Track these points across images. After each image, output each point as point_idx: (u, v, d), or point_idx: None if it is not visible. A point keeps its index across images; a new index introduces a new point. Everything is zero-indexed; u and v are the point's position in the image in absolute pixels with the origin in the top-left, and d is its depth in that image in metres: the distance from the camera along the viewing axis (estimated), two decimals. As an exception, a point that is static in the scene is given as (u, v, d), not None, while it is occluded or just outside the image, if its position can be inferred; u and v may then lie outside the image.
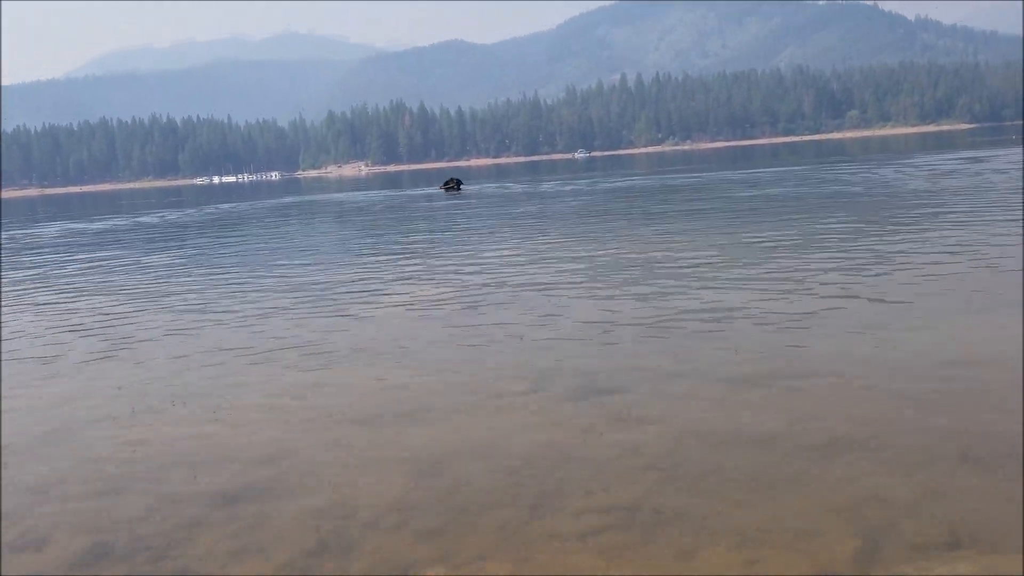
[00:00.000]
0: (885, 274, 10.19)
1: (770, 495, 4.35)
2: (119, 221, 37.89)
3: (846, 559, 3.70)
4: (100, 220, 39.87)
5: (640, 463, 4.86)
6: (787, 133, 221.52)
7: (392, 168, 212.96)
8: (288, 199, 53.10)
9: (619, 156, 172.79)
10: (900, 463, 4.62)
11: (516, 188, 44.96)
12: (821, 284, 9.80)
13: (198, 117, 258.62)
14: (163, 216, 40.13)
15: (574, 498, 4.47)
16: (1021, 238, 12.08)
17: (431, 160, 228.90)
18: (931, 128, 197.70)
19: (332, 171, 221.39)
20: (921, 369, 6.31)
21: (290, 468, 5.16)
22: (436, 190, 48.99)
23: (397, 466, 5.06)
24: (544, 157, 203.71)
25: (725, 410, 5.68)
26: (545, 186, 44.60)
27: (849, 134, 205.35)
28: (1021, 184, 21.89)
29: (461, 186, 47.16)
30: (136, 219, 39.19)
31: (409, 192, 51.91)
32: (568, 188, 40.24)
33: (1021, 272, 9.51)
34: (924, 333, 7.35)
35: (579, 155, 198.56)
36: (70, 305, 12.25)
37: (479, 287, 11.35)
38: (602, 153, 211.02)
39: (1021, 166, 29.72)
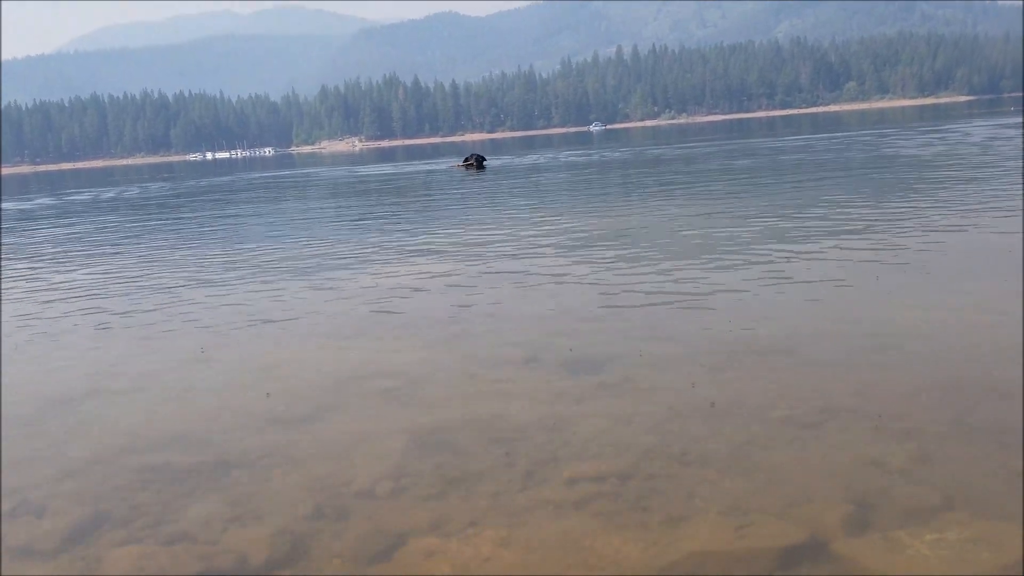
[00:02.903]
0: (892, 243, 10.19)
1: (761, 463, 4.39)
2: (132, 191, 37.79)
3: (837, 524, 3.71)
4: (109, 190, 39.72)
5: (632, 432, 4.90)
6: (784, 106, 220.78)
7: (386, 143, 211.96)
8: (285, 172, 52.86)
9: (614, 130, 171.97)
10: (893, 430, 4.65)
11: (544, 160, 43.92)
12: (817, 256, 9.82)
13: (190, 92, 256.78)
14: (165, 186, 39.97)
15: (567, 467, 4.51)
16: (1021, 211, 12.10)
17: (425, 135, 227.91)
18: (929, 100, 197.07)
19: (326, 146, 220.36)
20: (914, 337, 6.34)
21: (287, 438, 5.20)
22: (449, 167, 42.83)
23: (393, 437, 5.09)
24: (540, 132, 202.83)
25: (718, 380, 5.71)
26: (573, 157, 44.23)
27: (847, 107, 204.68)
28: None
29: (484, 163, 39.20)
30: (150, 186, 39.02)
31: (418, 167, 51.44)
32: (615, 156, 40.11)
33: (1021, 241, 9.53)
34: (917, 301, 7.38)
35: (595, 128, 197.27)
36: (64, 276, 12.23)
37: (477, 261, 11.36)
38: (595, 127, 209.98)
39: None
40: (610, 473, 4.38)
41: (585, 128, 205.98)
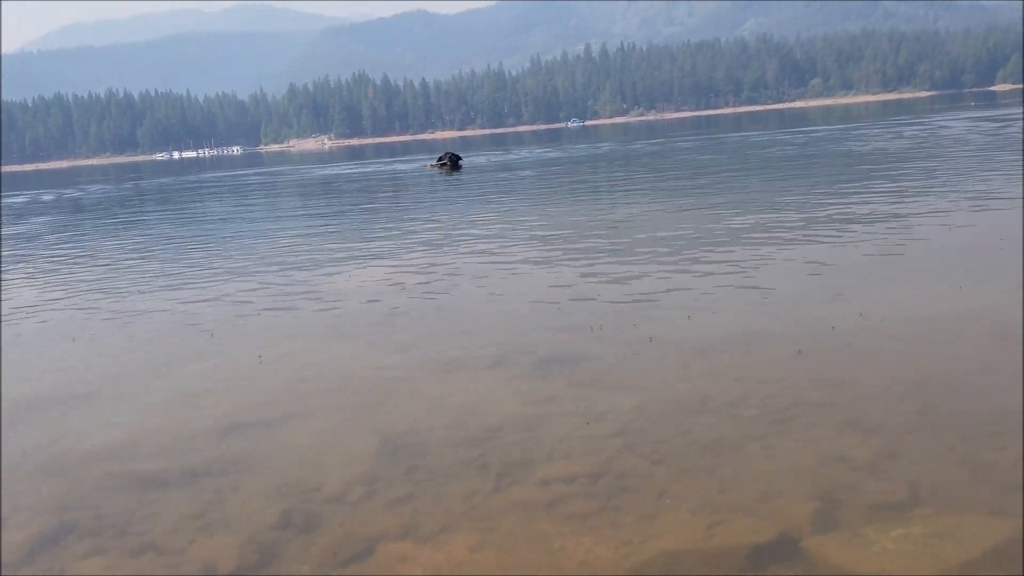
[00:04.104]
0: (854, 238, 10.30)
1: (731, 459, 4.42)
2: (107, 186, 37.22)
3: (805, 521, 3.75)
4: (84, 187, 39.09)
5: (604, 431, 4.91)
6: (751, 102, 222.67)
7: (356, 141, 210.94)
8: (253, 172, 52.39)
9: (590, 126, 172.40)
10: (860, 425, 4.71)
11: (524, 156, 43.97)
12: (786, 250, 9.90)
13: (156, 91, 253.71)
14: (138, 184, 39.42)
15: (539, 467, 4.51)
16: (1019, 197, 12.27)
17: (395, 133, 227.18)
18: (893, 96, 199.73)
19: (295, 145, 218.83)
20: (881, 331, 6.42)
21: (255, 443, 5.15)
22: (421, 166, 40.39)
23: (363, 440, 5.06)
24: (510, 129, 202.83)
25: (688, 377, 5.74)
26: (559, 153, 44.30)
27: (812, 103, 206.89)
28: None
29: (460, 162, 36.38)
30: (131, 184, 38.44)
31: (388, 166, 51.16)
32: (601, 150, 40.14)
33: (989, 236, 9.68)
34: (885, 295, 7.46)
35: (572, 124, 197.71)
36: (25, 280, 12.03)
37: (449, 261, 11.32)
38: (566, 124, 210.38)
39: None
40: (582, 473, 4.39)
41: (558, 125, 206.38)
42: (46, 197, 40.51)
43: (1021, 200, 12.11)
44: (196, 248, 15.13)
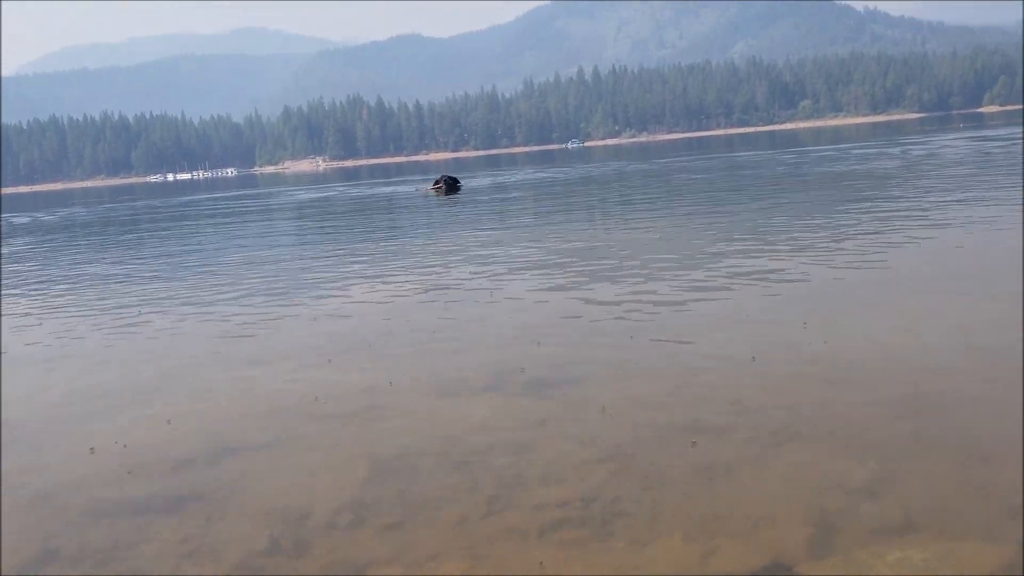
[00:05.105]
0: (839, 259, 10.30)
1: (725, 483, 4.37)
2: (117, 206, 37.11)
3: (800, 546, 3.71)
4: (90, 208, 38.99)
5: (595, 455, 4.86)
6: (741, 124, 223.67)
7: (350, 163, 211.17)
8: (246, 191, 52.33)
9: (589, 147, 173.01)
10: (854, 448, 4.67)
11: (523, 178, 43.83)
12: (778, 271, 9.89)
13: (151, 114, 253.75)
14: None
15: (530, 492, 4.46)
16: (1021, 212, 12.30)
17: (390, 154, 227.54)
18: (882, 118, 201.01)
19: (289, 166, 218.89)
20: (872, 354, 6.39)
21: (243, 468, 5.08)
22: (416, 191, 37.91)
23: (352, 464, 5.00)
24: (504, 151, 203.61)
25: (680, 400, 5.70)
26: (558, 173, 44.33)
27: (802, 124, 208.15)
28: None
29: (458, 185, 34.50)
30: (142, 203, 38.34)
31: (376, 188, 51.13)
32: (597, 172, 40.18)
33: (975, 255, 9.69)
34: (873, 316, 7.45)
35: (572, 145, 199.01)
36: (16, 298, 11.94)
37: (438, 283, 11.29)
38: (559, 146, 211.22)
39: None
40: (574, 497, 4.34)
41: (551, 146, 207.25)
42: (17, 220, 40.43)
43: (1021, 220, 12.15)
44: (183, 271, 15.06)
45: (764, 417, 5.23)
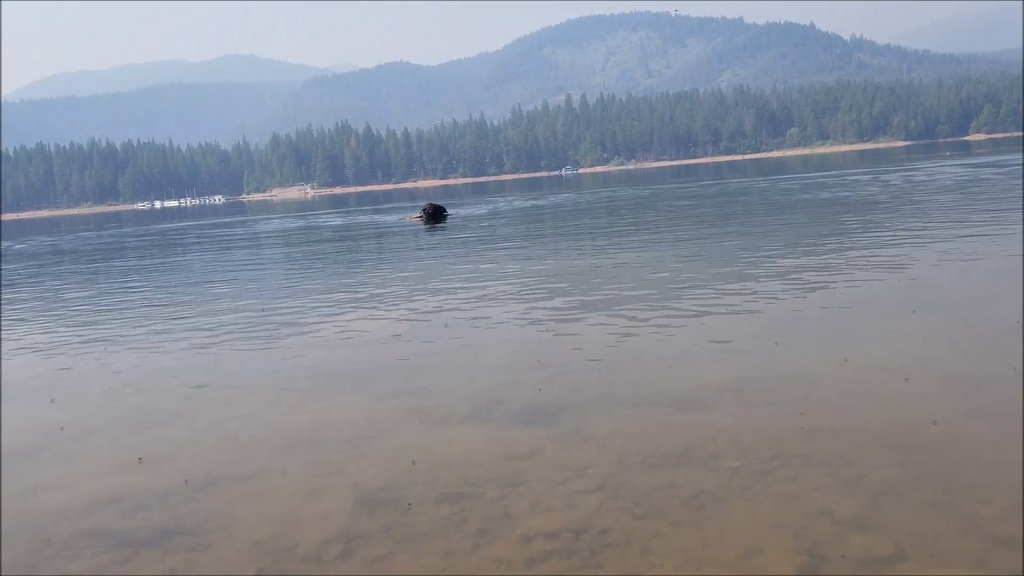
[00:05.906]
0: (830, 287, 10.36)
1: (715, 513, 4.36)
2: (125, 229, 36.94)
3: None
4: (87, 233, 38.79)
5: (585, 485, 4.85)
6: (729, 152, 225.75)
7: (338, 190, 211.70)
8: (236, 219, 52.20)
9: (581, 175, 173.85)
10: (842, 477, 4.67)
11: (504, 206, 43.91)
12: (766, 301, 9.93)
13: (139, 141, 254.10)
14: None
15: (520, 523, 4.43)
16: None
17: (378, 182, 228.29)
18: (869, 146, 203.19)
19: (277, 194, 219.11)
20: (857, 381, 6.41)
21: (229, 500, 5.03)
22: (400, 220, 36.83)
23: (339, 496, 4.96)
24: (492, 178, 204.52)
25: (669, 430, 5.70)
26: (553, 199, 44.46)
27: (789, 152, 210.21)
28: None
29: (445, 214, 33.13)
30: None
31: (368, 217, 51.06)
32: (594, 197, 40.31)
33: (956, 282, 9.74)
34: (863, 344, 7.47)
35: (566, 172, 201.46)
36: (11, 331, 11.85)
37: (428, 313, 11.28)
38: (547, 173, 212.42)
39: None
40: (563, 528, 4.31)
41: (539, 173, 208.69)
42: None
43: None
44: (166, 302, 14.99)
45: (753, 447, 5.23)
